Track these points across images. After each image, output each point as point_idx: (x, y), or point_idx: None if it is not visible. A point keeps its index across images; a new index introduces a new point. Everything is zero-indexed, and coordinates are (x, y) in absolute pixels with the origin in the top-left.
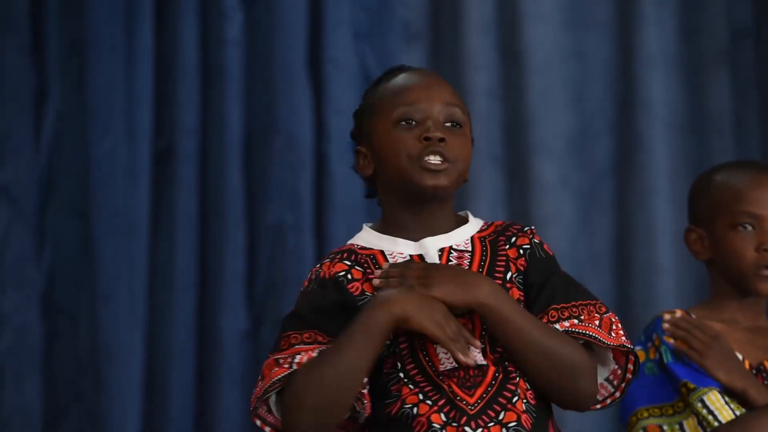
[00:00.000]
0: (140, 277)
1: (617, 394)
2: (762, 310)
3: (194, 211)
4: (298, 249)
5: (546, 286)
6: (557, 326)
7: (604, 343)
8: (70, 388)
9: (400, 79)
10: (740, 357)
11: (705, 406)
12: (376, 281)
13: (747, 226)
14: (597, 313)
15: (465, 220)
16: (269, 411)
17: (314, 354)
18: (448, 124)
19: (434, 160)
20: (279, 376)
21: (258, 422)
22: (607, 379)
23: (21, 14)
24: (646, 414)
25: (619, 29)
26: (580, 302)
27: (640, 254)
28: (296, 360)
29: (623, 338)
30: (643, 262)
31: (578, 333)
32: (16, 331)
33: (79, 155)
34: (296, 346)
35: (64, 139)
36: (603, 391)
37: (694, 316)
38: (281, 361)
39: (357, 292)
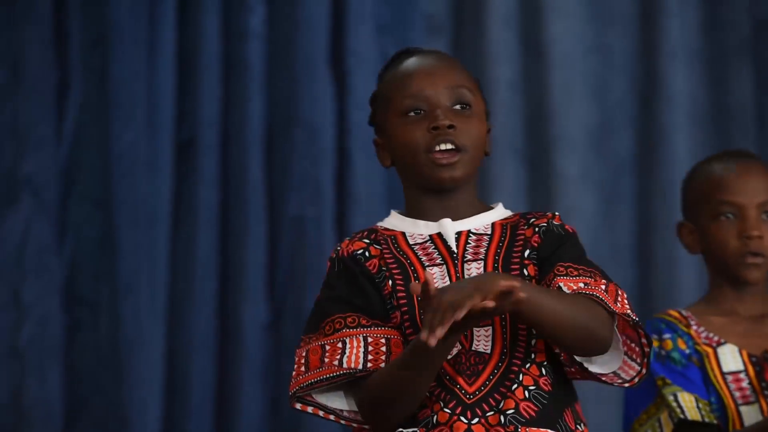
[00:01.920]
0: (161, 268)
1: (643, 371)
2: (766, 298)
3: (215, 202)
4: (319, 241)
5: (558, 250)
6: (565, 284)
7: (609, 308)
8: (91, 379)
9: (405, 66)
10: (736, 348)
11: (677, 401)
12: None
13: (728, 215)
14: (604, 280)
15: (490, 208)
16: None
17: (361, 339)
18: (457, 107)
19: (445, 147)
20: (328, 375)
21: (299, 406)
22: (627, 355)
23: (44, 6)
24: (645, 417)
25: (641, 22)
26: (590, 268)
27: (661, 247)
28: (345, 356)
29: (628, 309)
30: (664, 255)
31: (587, 294)
32: (38, 322)
33: (101, 147)
34: (341, 331)
35: (86, 131)
36: (630, 371)
37: (689, 313)
38: (327, 349)
39: (374, 270)
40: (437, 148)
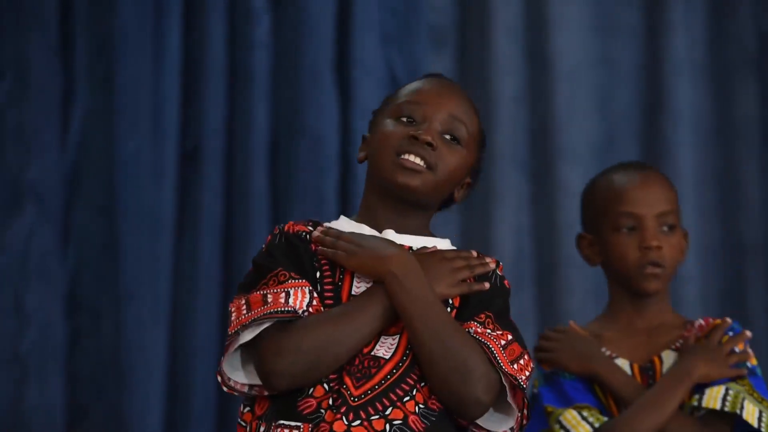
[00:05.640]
0: (164, 276)
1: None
2: (666, 308)
3: (219, 211)
4: None
5: (492, 299)
6: (471, 327)
7: (497, 361)
8: (93, 386)
9: (423, 81)
10: (627, 362)
11: (562, 426)
12: (315, 233)
13: (628, 227)
14: (510, 344)
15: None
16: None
17: (306, 291)
18: (447, 137)
19: (412, 159)
20: (280, 309)
21: (228, 385)
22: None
23: (50, 13)
24: None
25: (646, 36)
26: (505, 330)
27: None
28: (291, 300)
29: (521, 374)
30: None
31: (480, 341)
32: (40, 328)
33: (105, 154)
34: (286, 283)
35: (90, 138)
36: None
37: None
38: (270, 295)
39: (314, 249)
40: (405, 156)
